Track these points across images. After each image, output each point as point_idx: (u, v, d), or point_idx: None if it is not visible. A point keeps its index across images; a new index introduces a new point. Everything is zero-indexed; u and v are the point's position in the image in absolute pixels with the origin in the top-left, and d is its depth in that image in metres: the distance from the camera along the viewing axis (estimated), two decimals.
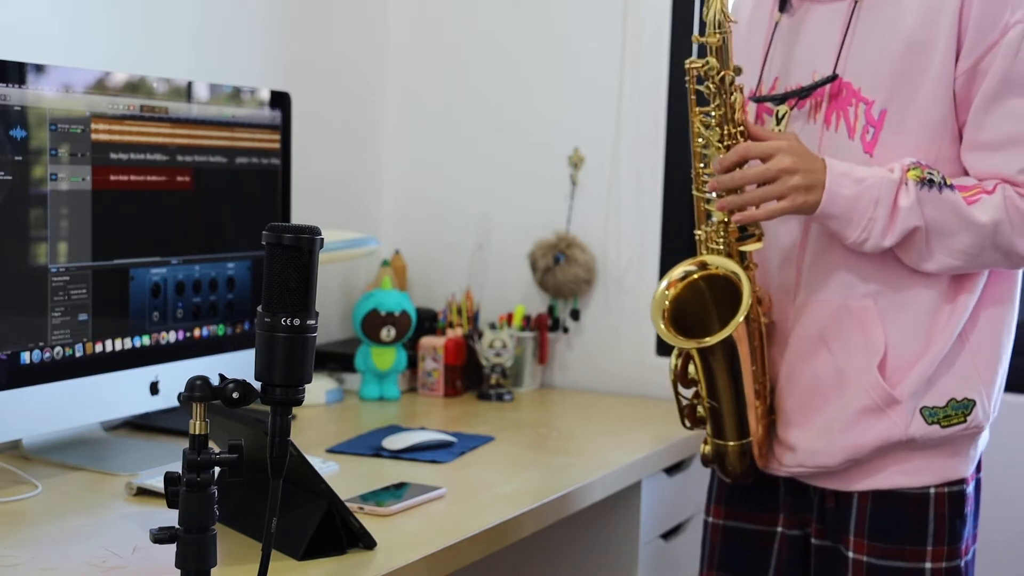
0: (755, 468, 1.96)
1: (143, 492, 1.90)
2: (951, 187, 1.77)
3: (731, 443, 1.94)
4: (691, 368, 1.95)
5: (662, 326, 1.91)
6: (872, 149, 1.82)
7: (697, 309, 1.92)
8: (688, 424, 2.00)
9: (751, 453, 1.94)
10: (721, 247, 1.90)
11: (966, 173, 1.82)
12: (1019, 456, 2.67)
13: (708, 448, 1.98)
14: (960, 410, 1.84)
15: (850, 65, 1.84)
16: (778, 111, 1.89)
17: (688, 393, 1.98)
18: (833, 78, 1.84)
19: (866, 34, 1.83)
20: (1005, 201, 1.76)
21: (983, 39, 1.76)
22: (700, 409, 1.98)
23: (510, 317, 2.97)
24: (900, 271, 1.84)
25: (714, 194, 1.88)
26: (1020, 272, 1.91)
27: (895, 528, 1.86)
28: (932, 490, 1.86)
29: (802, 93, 1.87)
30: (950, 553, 1.86)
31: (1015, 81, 1.76)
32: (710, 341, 1.85)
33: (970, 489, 1.90)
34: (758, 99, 1.92)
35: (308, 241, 1.26)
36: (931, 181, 1.76)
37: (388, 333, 2.76)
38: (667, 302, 1.92)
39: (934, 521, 1.86)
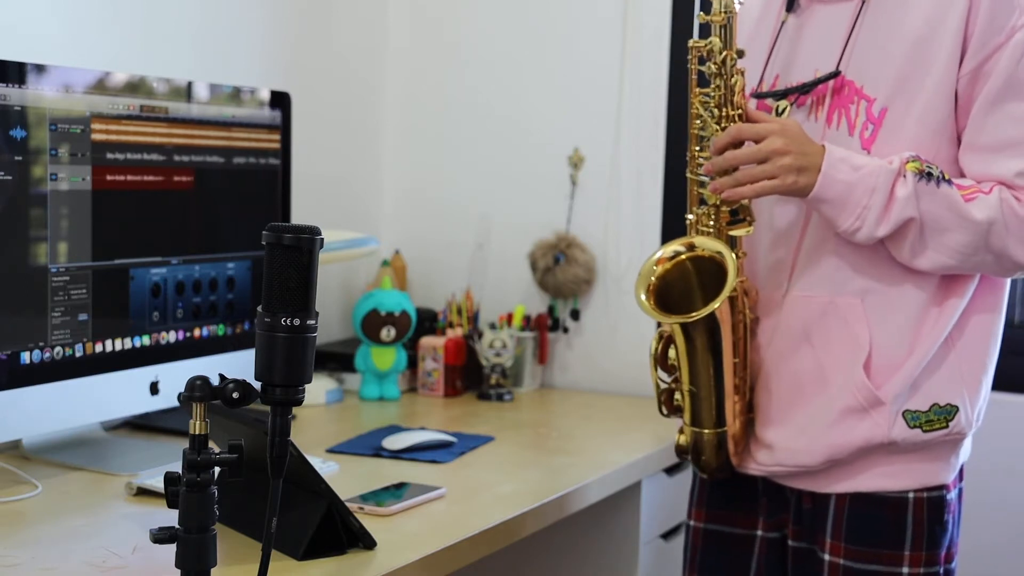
0: (731, 464, 1.95)
1: (143, 492, 1.90)
2: (949, 182, 1.76)
3: (707, 431, 1.92)
4: (671, 353, 1.94)
5: (643, 298, 1.90)
6: (870, 146, 1.82)
7: (682, 290, 1.91)
8: (665, 411, 1.98)
9: (727, 446, 1.93)
10: (711, 231, 1.89)
11: (963, 175, 1.82)
12: (1011, 458, 2.67)
13: (684, 437, 1.96)
14: (943, 415, 1.83)
15: (854, 63, 1.83)
16: (777, 107, 1.89)
17: (667, 378, 1.97)
18: (835, 74, 1.84)
19: (872, 33, 1.83)
20: (1001, 203, 1.76)
21: (989, 41, 1.75)
22: (678, 396, 1.96)
23: (510, 317, 2.97)
24: (891, 271, 1.83)
25: (708, 178, 1.87)
26: (1009, 281, 1.90)
27: (872, 531, 1.85)
28: (911, 495, 1.85)
29: (803, 89, 1.87)
30: (928, 559, 1.85)
31: (1017, 85, 1.76)
32: (696, 316, 1.84)
33: (951, 496, 1.88)
34: (758, 95, 1.92)
35: (308, 241, 1.27)
36: (929, 175, 1.76)
37: (388, 333, 2.76)
38: (654, 278, 1.91)
39: (912, 526, 1.84)
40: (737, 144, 1.81)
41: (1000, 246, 1.77)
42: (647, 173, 2.96)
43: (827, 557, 1.87)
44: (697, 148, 1.89)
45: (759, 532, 1.98)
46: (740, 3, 1.87)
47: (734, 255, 1.86)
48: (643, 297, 1.90)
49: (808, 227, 1.87)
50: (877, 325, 1.83)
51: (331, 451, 2.24)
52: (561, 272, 2.95)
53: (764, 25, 1.96)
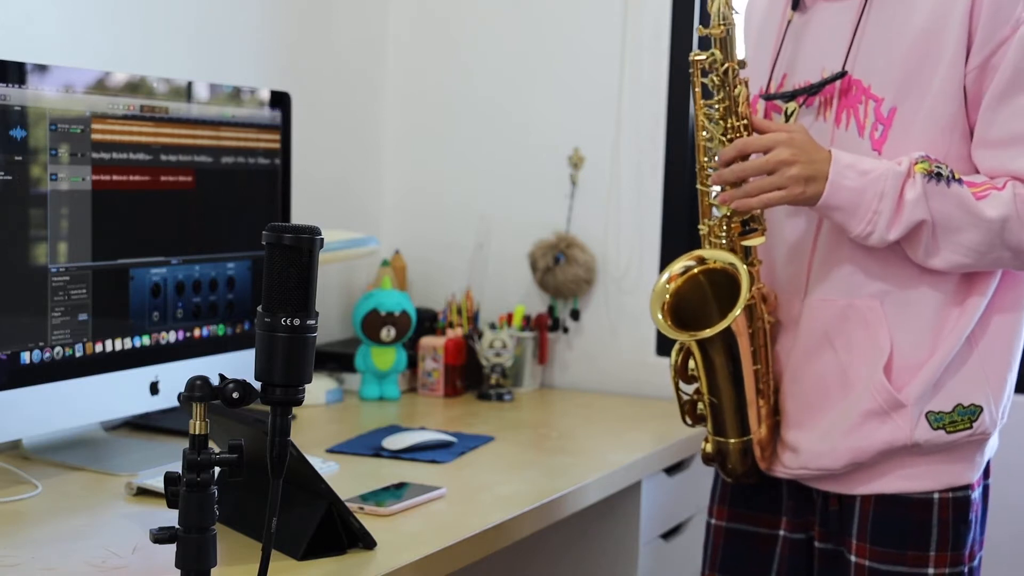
0: (757, 469, 1.95)
1: (143, 492, 1.90)
2: (959, 181, 1.75)
3: (732, 440, 1.93)
4: (691, 364, 1.95)
5: (660, 317, 1.89)
6: (881, 147, 1.81)
7: (697, 304, 1.91)
8: (689, 421, 1.99)
9: (752, 453, 1.94)
10: (724, 242, 1.89)
11: (976, 172, 1.80)
12: None
13: (709, 446, 1.97)
14: (966, 416, 1.82)
15: (860, 62, 1.83)
16: (787, 108, 1.88)
17: (689, 389, 1.98)
18: (842, 75, 1.83)
19: (877, 32, 1.82)
20: (1015, 199, 1.74)
21: (994, 35, 1.74)
22: (700, 406, 1.97)
23: (510, 317, 2.97)
24: (909, 271, 1.82)
25: (717, 188, 1.87)
26: None
27: (898, 532, 1.84)
28: (936, 495, 1.84)
29: (811, 90, 1.86)
30: (954, 559, 1.84)
31: None
32: (708, 333, 1.84)
33: (975, 495, 1.87)
34: (767, 97, 1.92)
35: (308, 241, 1.27)
36: (939, 175, 1.74)
37: (388, 333, 2.76)
38: (667, 296, 1.91)
39: (937, 526, 1.84)
40: (744, 156, 1.81)
41: (1016, 242, 1.75)
42: (647, 173, 2.96)
43: (853, 558, 1.86)
44: (705, 159, 1.89)
45: (782, 532, 1.97)
46: (737, 12, 1.86)
47: (746, 265, 1.86)
48: (659, 316, 1.89)
49: (820, 236, 1.87)
50: (897, 326, 1.82)
51: (331, 451, 2.24)
52: (561, 272, 2.95)
53: (770, 25, 1.96)
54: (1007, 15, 1.74)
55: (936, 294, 1.82)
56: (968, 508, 1.86)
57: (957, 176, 1.76)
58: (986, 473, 1.91)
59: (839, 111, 1.84)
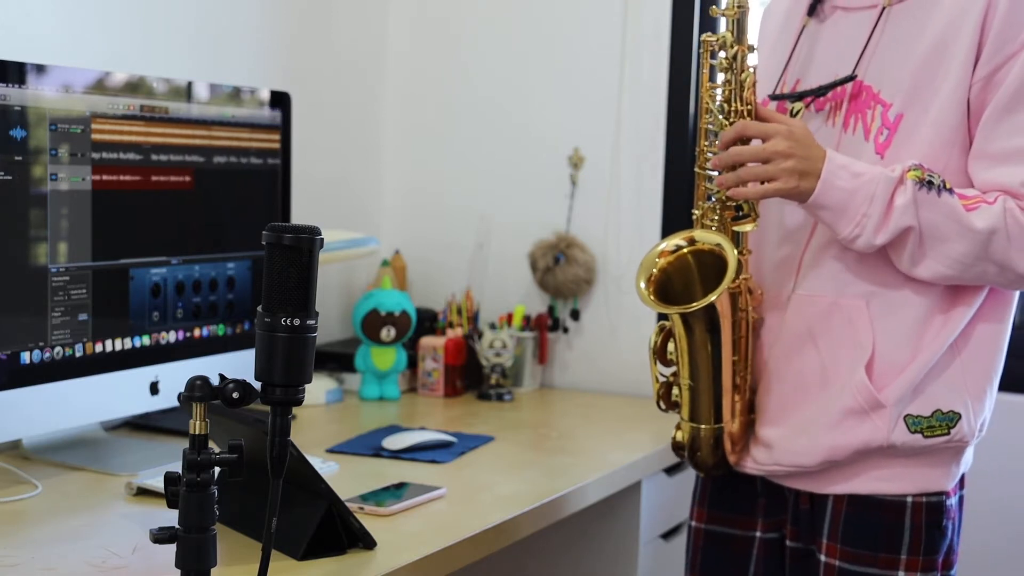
0: (726, 462, 1.94)
1: (143, 492, 1.90)
2: (950, 191, 1.75)
3: (704, 426, 1.91)
4: (670, 347, 1.94)
5: (643, 287, 1.89)
6: (884, 151, 1.81)
7: (683, 284, 1.90)
8: (663, 406, 1.97)
9: (724, 444, 1.92)
10: (715, 226, 1.89)
11: (972, 186, 1.80)
12: (1012, 460, 2.66)
13: (681, 434, 1.96)
14: (944, 422, 1.81)
15: (872, 69, 1.83)
16: (792, 108, 1.89)
17: (666, 372, 1.97)
18: (851, 78, 1.83)
19: (891, 40, 1.82)
20: (1005, 213, 1.73)
21: (1002, 49, 1.74)
22: (676, 391, 1.96)
23: (510, 317, 2.97)
24: (897, 274, 1.82)
25: (715, 173, 1.86)
26: (1017, 293, 1.88)
27: (869, 534, 1.84)
28: (909, 499, 1.84)
29: (819, 92, 1.86)
30: (925, 564, 1.83)
31: None
32: (695, 306, 1.83)
33: (950, 503, 1.86)
34: (776, 97, 1.92)
35: (308, 241, 1.27)
36: (930, 183, 1.74)
37: (388, 333, 2.76)
38: (655, 269, 1.91)
39: (910, 530, 1.83)
40: (744, 140, 1.81)
41: (1002, 256, 1.74)
42: (647, 173, 2.96)
43: (824, 558, 1.86)
44: (706, 143, 1.89)
45: (758, 533, 1.97)
46: None
47: (735, 247, 1.86)
48: (643, 286, 1.89)
49: (818, 225, 1.87)
50: (881, 328, 1.82)
51: (331, 451, 2.24)
52: (561, 272, 2.95)
53: (787, 31, 1.96)
54: (1017, 31, 1.74)
55: (923, 300, 1.81)
56: (943, 515, 1.85)
57: (949, 186, 1.75)
58: (961, 484, 1.91)
59: (848, 116, 1.84)
